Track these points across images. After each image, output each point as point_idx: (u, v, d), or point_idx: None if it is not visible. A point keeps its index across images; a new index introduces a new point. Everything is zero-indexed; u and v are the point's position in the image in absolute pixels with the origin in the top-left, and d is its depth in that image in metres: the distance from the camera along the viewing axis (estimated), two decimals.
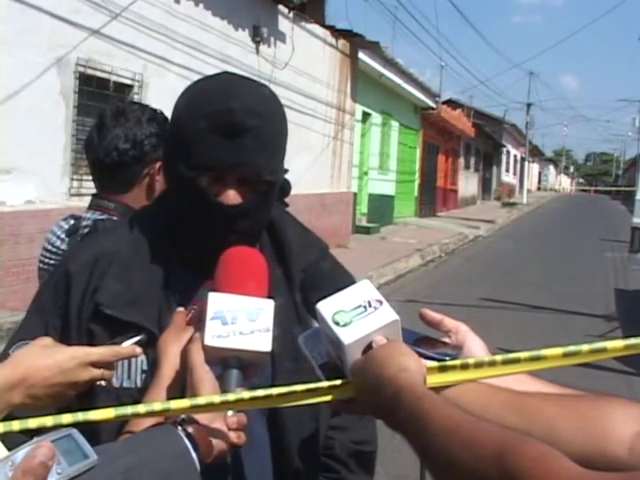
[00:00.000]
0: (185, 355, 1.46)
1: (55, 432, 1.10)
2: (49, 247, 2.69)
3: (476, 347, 1.50)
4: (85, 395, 1.53)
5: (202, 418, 1.35)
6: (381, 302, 1.41)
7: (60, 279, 1.75)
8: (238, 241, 1.66)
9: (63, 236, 2.67)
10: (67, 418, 1.26)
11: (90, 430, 1.34)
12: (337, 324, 1.37)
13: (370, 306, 1.40)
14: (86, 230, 2.57)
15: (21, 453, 1.05)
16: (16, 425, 1.24)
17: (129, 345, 1.52)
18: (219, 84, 1.70)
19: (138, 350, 1.52)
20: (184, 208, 1.70)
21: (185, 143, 1.65)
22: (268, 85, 1.78)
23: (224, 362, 1.41)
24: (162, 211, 1.81)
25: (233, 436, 1.38)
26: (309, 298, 1.69)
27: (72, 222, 2.71)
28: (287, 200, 3.50)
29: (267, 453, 1.75)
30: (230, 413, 1.39)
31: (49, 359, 1.38)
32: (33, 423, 1.24)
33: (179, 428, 1.32)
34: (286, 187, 3.32)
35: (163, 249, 1.75)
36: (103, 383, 1.55)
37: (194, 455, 1.30)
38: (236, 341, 1.40)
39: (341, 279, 1.80)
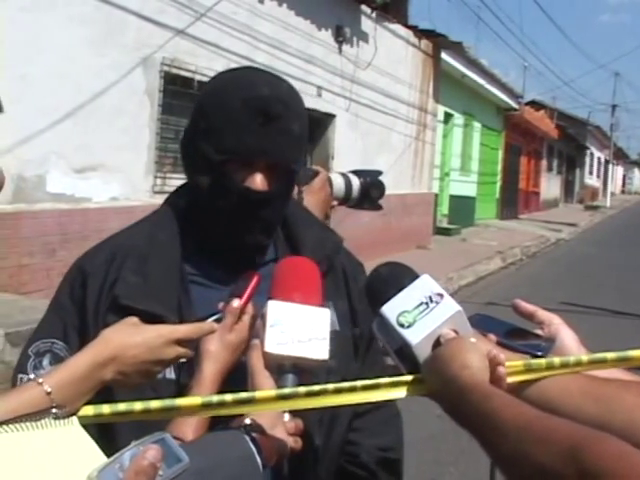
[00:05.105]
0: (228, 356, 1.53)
1: (150, 436, 1.12)
2: None
3: (569, 340, 1.48)
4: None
5: (263, 423, 1.37)
6: (442, 295, 1.42)
7: (76, 277, 1.75)
8: (259, 230, 1.69)
9: None
10: (155, 404, 1.29)
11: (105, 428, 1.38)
12: (402, 326, 1.39)
13: (432, 301, 1.41)
14: None
15: (127, 455, 1.07)
16: (106, 409, 1.28)
17: (209, 322, 1.54)
18: (247, 73, 1.74)
19: (216, 327, 1.53)
20: (208, 195, 1.69)
21: (215, 127, 1.65)
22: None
23: (280, 368, 1.43)
24: (179, 204, 1.80)
25: (291, 441, 1.41)
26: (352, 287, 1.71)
27: None
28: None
29: None
30: (287, 418, 1.42)
31: (138, 337, 1.41)
32: (122, 407, 1.28)
33: (244, 433, 1.34)
34: (382, 188, 3.24)
35: (179, 240, 1.74)
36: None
37: (259, 460, 1.31)
38: (295, 349, 1.43)
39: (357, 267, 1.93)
